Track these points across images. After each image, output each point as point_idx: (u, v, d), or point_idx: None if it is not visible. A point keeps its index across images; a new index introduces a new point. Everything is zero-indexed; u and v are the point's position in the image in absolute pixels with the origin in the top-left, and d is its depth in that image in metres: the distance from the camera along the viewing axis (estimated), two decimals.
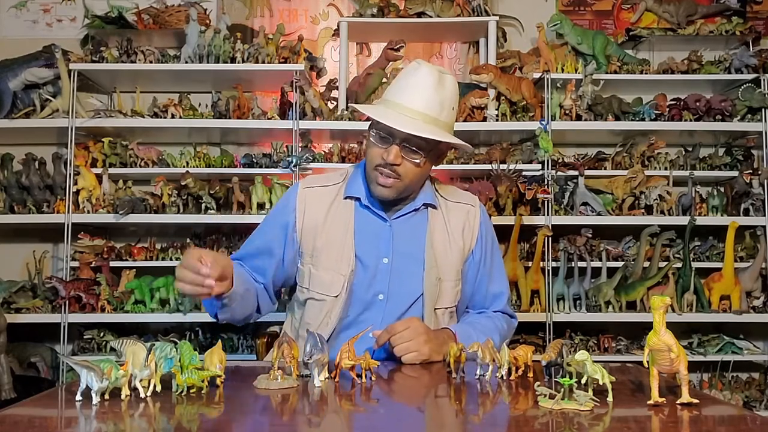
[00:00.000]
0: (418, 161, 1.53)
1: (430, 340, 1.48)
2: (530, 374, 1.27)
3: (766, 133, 3.02)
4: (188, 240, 3.04)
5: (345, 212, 1.62)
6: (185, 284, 1.38)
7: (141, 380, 1.10)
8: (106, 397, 1.07)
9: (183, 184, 2.85)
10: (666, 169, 3.04)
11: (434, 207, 1.66)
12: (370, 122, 1.58)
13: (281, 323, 1.86)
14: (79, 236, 2.90)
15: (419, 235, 1.63)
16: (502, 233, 2.97)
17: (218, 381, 1.18)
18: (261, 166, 2.97)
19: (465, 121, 2.97)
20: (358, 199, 1.63)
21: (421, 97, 1.50)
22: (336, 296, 1.58)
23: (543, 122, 2.92)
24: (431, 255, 1.61)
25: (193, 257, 1.37)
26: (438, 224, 1.65)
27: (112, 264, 2.92)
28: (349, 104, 2.95)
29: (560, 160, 3.02)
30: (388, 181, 1.54)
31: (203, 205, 2.91)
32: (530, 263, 2.93)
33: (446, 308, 1.64)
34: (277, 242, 1.66)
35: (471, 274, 1.70)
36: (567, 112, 3.00)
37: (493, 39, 3.09)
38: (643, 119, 3.01)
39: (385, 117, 1.49)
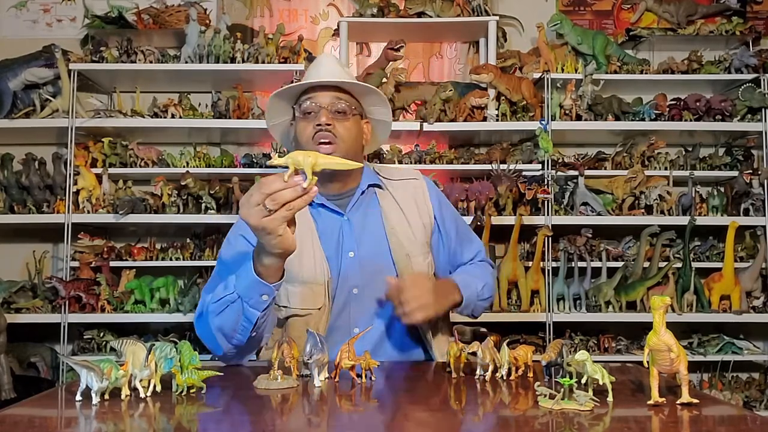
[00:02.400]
0: (347, 119, 1.59)
1: (435, 292, 1.55)
2: (530, 374, 1.27)
3: (766, 133, 3.02)
4: (188, 240, 3.04)
5: (304, 219, 1.59)
6: (286, 199, 1.18)
7: (141, 380, 1.10)
8: (106, 397, 1.07)
9: (183, 184, 2.85)
10: (666, 169, 3.04)
11: (380, 187, 1.67)
12: (292, 114, 1.65)
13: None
14: (79, 236, 2.90)
15: (376, 220, 1.63)
16: (502, 233, 2.98)
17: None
18: (261, 166, 2.97)
19: (465, 121, 2.97)
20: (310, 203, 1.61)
21: (330, 71, 1.61)
22: (320, 308, 1.56)
23: (543, 122, 2.92)
24: (393, 234, 1.61)
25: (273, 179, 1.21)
26: (388, 204, 1.66)
27: (112, 264, 2.92)
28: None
29: (560, 160, 3.02)
30: (329, 147, 1.55)
31: (203, 205, 2.91)
32: (530, 263, 2.93)
33: None
34: None
35: (443, 247, 1.73)
36: (567, 112, 3.00)
37: (493, 39, 3.09)
38: (643, 119, 3.01)
39: (306, 82, 1.60)
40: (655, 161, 3.08)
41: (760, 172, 2.99)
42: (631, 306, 2.94)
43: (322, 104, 1.57)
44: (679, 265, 2.94)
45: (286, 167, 1.15)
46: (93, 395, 1.05)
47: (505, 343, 1.33)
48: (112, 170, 2.97)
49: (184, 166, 2.97)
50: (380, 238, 1.61)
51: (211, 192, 2.89)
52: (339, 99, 1.58)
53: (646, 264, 2.97)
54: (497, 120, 2.98)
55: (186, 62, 2.93)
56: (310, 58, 3.03)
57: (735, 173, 3.03)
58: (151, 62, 2.94)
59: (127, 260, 2.95)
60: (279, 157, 1.19)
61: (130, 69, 2.96)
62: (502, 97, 2.99)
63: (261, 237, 1.24)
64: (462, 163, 3.02)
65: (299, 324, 1.55)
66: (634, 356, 2.89)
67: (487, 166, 2.97)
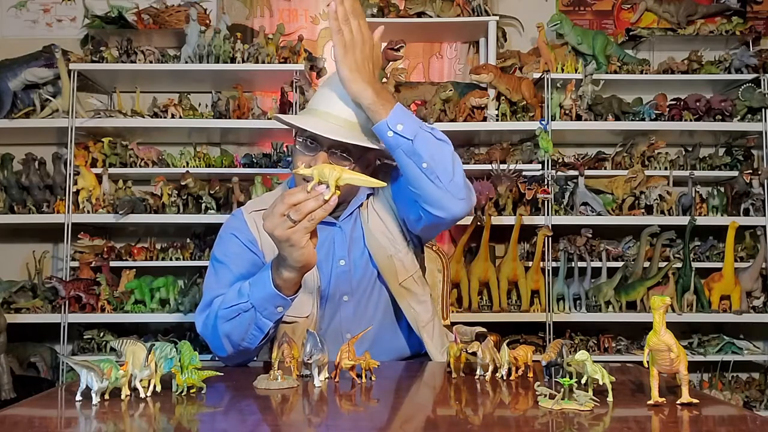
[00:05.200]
0: (349, 163, 1.46)
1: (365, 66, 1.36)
2: (530, 374, 1.27)
3: (766, 133, 3.02)
4: (188, 240, 3.04)
5: None
6: (309, 209, 1.20)
7: (141, 380, 1.10)
8: (106, 397, 1.07)
9: (183, 184, 2.85)
10: (666, 169, 3.04)
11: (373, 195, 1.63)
12: (295, 132, 1.52)
13: None
14: (79, 236, 2.90)
15: (359, 226, 1.61)
16: (502, 233, 2.98)
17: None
18: (261, 166, 2.98)
19: (465, 121, 2.97)
20: None
21: (342, 103, 1.44)
22: (307, 316, 1.54)
23: (543, 122, 2.93)
24: (372, 239, 1.58)
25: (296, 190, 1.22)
26: (364, 208, 1.62)
27: (112, 264, 2.92)
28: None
29: (560, 160, 3.02)
30: None
31: (203, 205, 2.91)
32: (530, 263, 2.93)
33: (412, 274, 1.60)
34: (255, 260, 1.55)
35: (402, 195, 1.55)
36: (567, 112, 3.00)
37: (493, 39, 3.09)
38: (643, 119, 3.01)
39: (308, 124, 1.44)
40: (655, 161, 3.08)
41: (760, 172, 2.99)
42: (631, 306, 2.94)
43: (323, 144, 1.45)
44: (679, 265, 2.94)
45: (311, 177, 1.20)
46: (93, 395, 1.05)
47: (505, 343, 1.33)
48: (112, 170, 2.97)
49: (184, 166, 2.97)
50: (364, 244, 1.59)
51: (211, 192, 2.89)
52: (341, 145, 1.44)
53: (646, 264, 2.97)
54: (497, 120, 2.97)
55: (186, 62, 2.93)
56: (310, 58, 3.03)
57: (735, 173, 3.03)
58: (151, 62, 2.94)
59: (127, 260, 2.95)
60: (305, 167, 1.22)
61: (130, 69, 2.96)
62: (502, 97, 2.98)
63: (284, 249, 1.26)
64: (462, 163, 3.01)
65: (287, 331, 1.51)
66: (634, 356, 2.89)
67: (487, 166, 2.97)
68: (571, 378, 1.06)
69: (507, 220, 2.91)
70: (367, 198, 1.64)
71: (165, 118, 2.95)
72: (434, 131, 1.41)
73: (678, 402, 1.04)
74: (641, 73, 3.06)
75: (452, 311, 2.40)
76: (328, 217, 1.57)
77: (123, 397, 1.08)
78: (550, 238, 2.92)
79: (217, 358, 1.53)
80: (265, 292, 1.33)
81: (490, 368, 1.25)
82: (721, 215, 2.99)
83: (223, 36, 2.94)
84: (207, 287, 1.56)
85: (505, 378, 1.24)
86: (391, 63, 2.94)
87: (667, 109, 3.04)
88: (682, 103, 3.04)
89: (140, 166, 3.00)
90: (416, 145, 1.35)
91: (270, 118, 2.95)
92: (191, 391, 1.14)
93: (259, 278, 1.35)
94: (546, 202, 2.90)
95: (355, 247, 1.60)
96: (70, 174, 2.90)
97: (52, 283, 2.85)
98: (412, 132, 1.35)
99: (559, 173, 2.98)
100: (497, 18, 3.10)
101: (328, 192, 1.19)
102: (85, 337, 2.90)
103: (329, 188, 1.18)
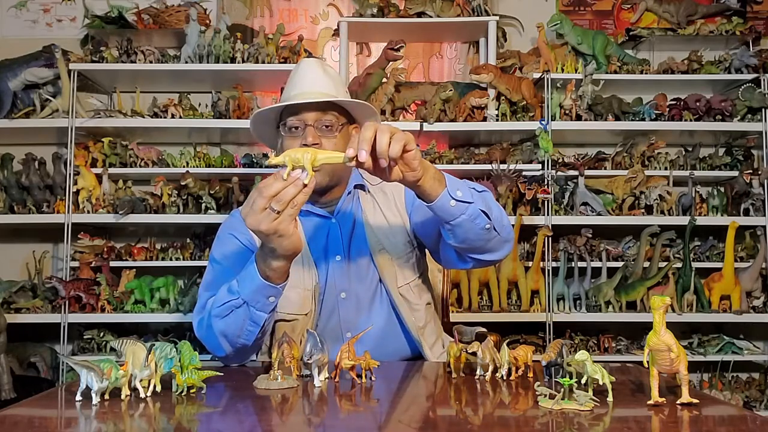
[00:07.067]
0: (335, 135, 1.53)
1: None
2: (530, 374, 1.27)
3: (766, 133, 3.02)
4: (188, 240, 3.04)
5: None
6: (288, 195, 1.17)
7: (141, 380, 1.10)
8: (106, 397, 1.07)
9: (183, 184, 2.86)
10: (666, 169, 3.04)
11: (363, 188, 1.63)
12: (279, 124, 1.58)
13: None
14: (79, 236, 2.90)
15: (359, 223, 1.61)
16: None
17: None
18: (261, 166, 2.98)
19: (465, 121, 2.97)
20: None
21: (313, 82, 1.55)
22: (306, 314, 1.54)
23: (543, 122, 2.93)
24: (374, 237, 1.59)
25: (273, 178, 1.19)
26: (369, 206, 1.63)
27: (112, 264, 2.92)
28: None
29: (560, 160, 3.02)
30: None
31: (203, 205, 2.91)
32: (530, 263, 2.93)
33: (410, 282, 1.60)
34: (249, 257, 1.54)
35: (429, 229, 1.55)
36: (567, 112, 3.00)
37: (493, 39, 3.09)
38: (643, 119, 3.01)
39: (290, 101, 1.53)
40: (655, 161, 3.08)
41: (760, 172, 2.99)
42: (631, 306, 2.94)
43: (307, 121, 1.52)
44: (679, 265, 2.94)
45: (284, 165, 1.17)
46: (93, 395, 1.05)
47: (505, 343, 1.32)
48: (112, 170, 2.97)
49: (184, 166, 2.97)
50: (364, 241, 1.59)
51: (211, 192, 2.89)
52: (325, 113, 1.53)
53: (646, 264, 2.97)
54: (497, 120, 2.97)
55: (186, 62, 2.93)
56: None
57: (735, 173, 3.03)
58: (151, 62, 2.94)
59: (127, 260, 2.95)
60: (276, 156, 1.20)
61: (130, 69, 2.96)
62: (502, 97, 2.98)
63: (272, 241, 1.24)
64: (462, 163, 3.02)
65: (285, 329, 1.53)
66: (634, 356, 2.89)
67: (487, 166, 2.97)
68: (571, 378, 1.06)
69: None
70: (366, 191, 1.65)
71: (165, 118, 2.95)
72: (469, 183, 1.37)
73: (678, 402, 1.04)
74: (641, 73, 3.06)
75: (452, 311, 2.40)
76: (322, 211, 1.58)
77: (123, 397, 1.08)
78: (550, 238, 2.92)
79: (216, 359, 1.53)
80: (254, 284, 1.32)
81: (490, 368, 1.25)
82: (721, 215, 2.99)
83: (223, 36, 2.94)
84: (204, 288, 1.56)
85: (505, 378, 1.24)
86: (391, 63, 2.94)
87: (667, 109, 3.04)
88: (682, 103, 3.04)
89: (140, 166, 3.00)
90: (478, 206, 1.32)
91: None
92: (191, 391, 1.14)
93: (246, 273, 1.35)
94: (546, 202, 2.90)
95: (355, 243, 1.60)
96: (70, 174, 2.90)
97: (52, 283, 2.85)
98: (469, 194, 1.32)
99: (559, 173, 2.98)
100: (497, 18, 3.10)
101: (305, 175, 1.17)
102: (85, 337, 2.90)
103: (306, 172, 1.17)
